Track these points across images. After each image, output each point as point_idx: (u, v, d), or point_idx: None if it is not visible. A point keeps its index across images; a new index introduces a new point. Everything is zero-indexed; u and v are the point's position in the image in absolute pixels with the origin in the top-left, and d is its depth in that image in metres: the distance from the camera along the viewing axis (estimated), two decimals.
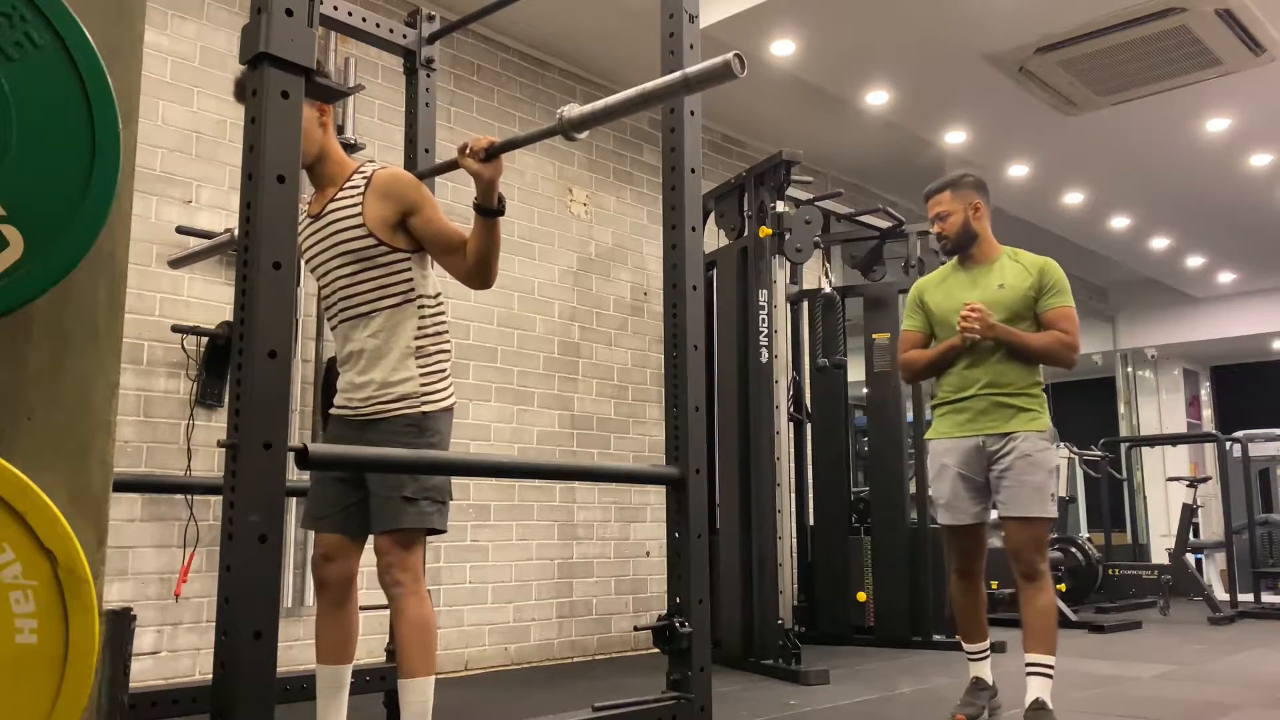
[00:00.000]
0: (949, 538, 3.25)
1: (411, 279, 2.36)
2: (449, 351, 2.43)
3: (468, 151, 2.25)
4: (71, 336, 1.32)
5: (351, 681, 2.91)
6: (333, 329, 2.46)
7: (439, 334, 2.40)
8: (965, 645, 3.30)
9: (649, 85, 1.90)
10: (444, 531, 2.36)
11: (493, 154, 2.23)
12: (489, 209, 2.28)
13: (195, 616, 3.66)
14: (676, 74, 1.83)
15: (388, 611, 2.32)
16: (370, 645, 3.61)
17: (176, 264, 3.72)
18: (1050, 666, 2.97)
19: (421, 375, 2.33)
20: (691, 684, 2.25)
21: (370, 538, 2.36)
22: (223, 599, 1.72)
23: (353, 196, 2.34)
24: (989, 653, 3.30)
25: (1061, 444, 7.74)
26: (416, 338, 2.35)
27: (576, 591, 4.98)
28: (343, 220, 2.33)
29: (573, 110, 2.02)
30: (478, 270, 2.33)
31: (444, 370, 2.40)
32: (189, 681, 3.52)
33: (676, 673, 2.28)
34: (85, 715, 1.21)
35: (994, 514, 3.17)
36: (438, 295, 2.43)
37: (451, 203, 4.66)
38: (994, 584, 6.03)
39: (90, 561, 1.18)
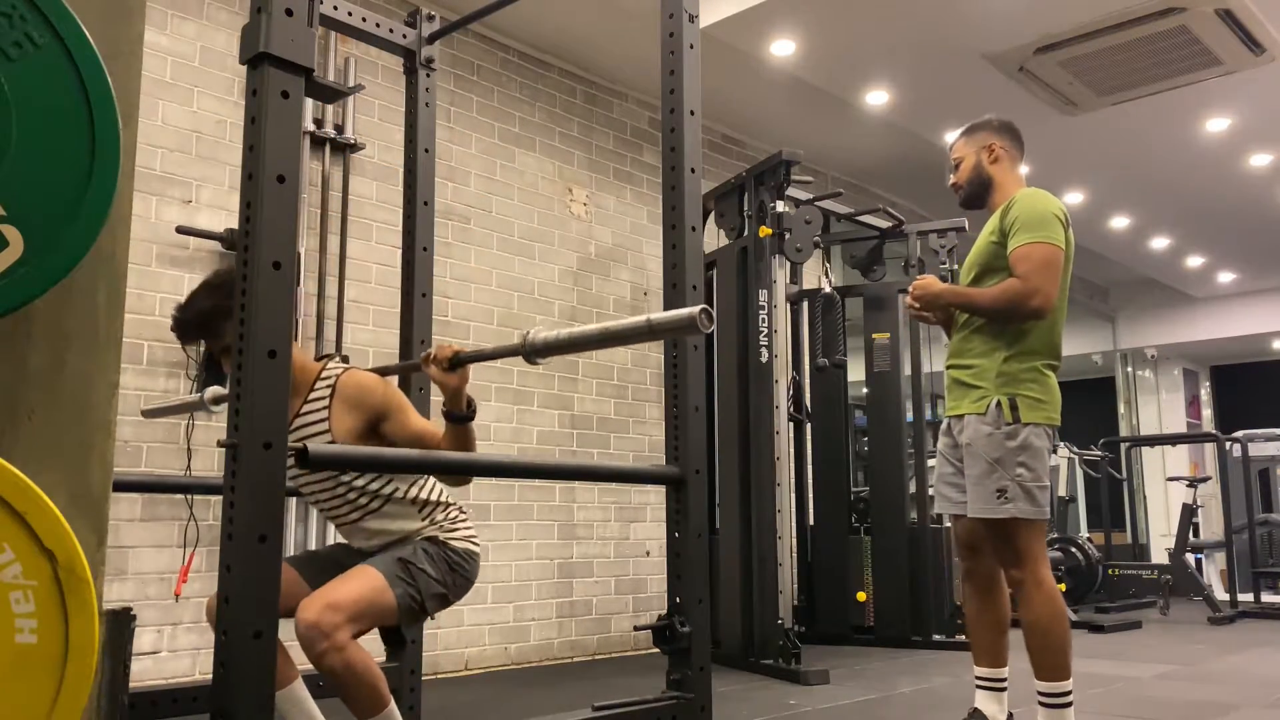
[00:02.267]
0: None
1: (391, 477, 2.32)
2: (453, 503, 2.40)
3: (432, 360, 2.13)
4: (71, 336, 1.32)
5: None
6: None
7: (437, 501, 2.37)
8: (974, 667, 2.73)
9: (613, 325, 1.92)
10: (401, 642, 2.32)
11: (457, 363, 2.13)
12: (458, 415, 2.17)
13: (195, 616, 3.66)
14: (641, 319, 1.87)
15: None
16: (370, 647, 3.60)
17: (150, 414, 3.38)
18: (1056, 695, 2.50)
19: (436, 526, 2.35)
20: (691, 684, 2.25)
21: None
22: (223, 599, 1.72)
23: (318, 410, 2.28)
24: (1002, 684, 2.67)
25: (1061, 444, 7.74)
26: (421, 514, 2.33)
27: (576, 591, 4.98)
28: (311, 439, 2.26)
29: (538, 334, 2.01)
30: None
31: (463, 518, 2.40)
32: (189, 681, 3.51)
33: (676, 673, 2.28)
34: (85, 715, 1.21)
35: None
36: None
37: (451, 202, 4.67)
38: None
39: (90, 561, 1.18)
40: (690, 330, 1.80)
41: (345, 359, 2.58)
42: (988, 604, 2.70)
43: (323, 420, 2.27)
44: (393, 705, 2.18)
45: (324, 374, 2.33)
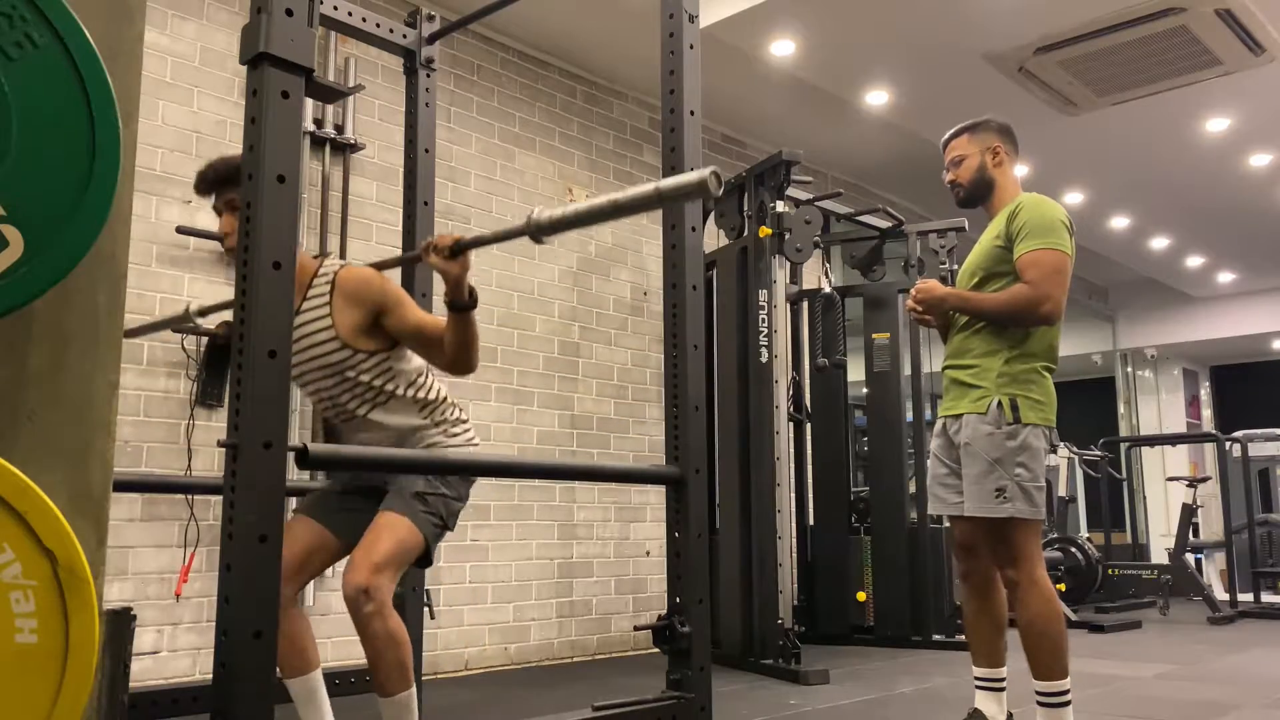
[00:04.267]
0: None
1: (392, 370, 2.32)
2: (452, 402, 2.42)
3: (432, 249, 2.15)
4: (71, 336, 1.32)
5: (352, 682, 2.91)
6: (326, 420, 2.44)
7: (438, 399, 2.38)
8: (973, 667, 2.74)
9: (620, 196, 1.89)
10: (429, 563, 2.33)
11: (458, 250, 2.14)
12: (460, 304, 2.19)
13: (195, 616, 3.66)
14: (650, 185, 1.85)
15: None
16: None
17: (131, 334, 3.34)
18: (1054, 694, 2.51)
19: (438, 428, 2.36)
20: (691, 684, 2.25)
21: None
22: (223, 599, 1.72)
23: (320, 306, 2.28)
24: (1001, 683, 2.68)
25: (1061, 444, 7.73)
26: (421, 413, 2.34)
27: (576, 591, 4.98)
28: (314, 334, 2.27)
29: (542, 213, 2.00)
30: (456, 362, 2.27)
31: (463, 420, 2.41)
32: (189, 681, 3.51)
33: (676, 673, 2.28)
34: (85, 715, 1.21)
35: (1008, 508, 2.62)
36: (422, 369, 2.40)
37: (451, 202, 4.67)
38: None
39: (90, 561, 1.18)
40: (699, 192, 1.75)
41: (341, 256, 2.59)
42: (985, 604, 2.71)
43: (324, 316, 2.27)
44: (414, 689, 2.19)
45: (322, 270, 2.33)
